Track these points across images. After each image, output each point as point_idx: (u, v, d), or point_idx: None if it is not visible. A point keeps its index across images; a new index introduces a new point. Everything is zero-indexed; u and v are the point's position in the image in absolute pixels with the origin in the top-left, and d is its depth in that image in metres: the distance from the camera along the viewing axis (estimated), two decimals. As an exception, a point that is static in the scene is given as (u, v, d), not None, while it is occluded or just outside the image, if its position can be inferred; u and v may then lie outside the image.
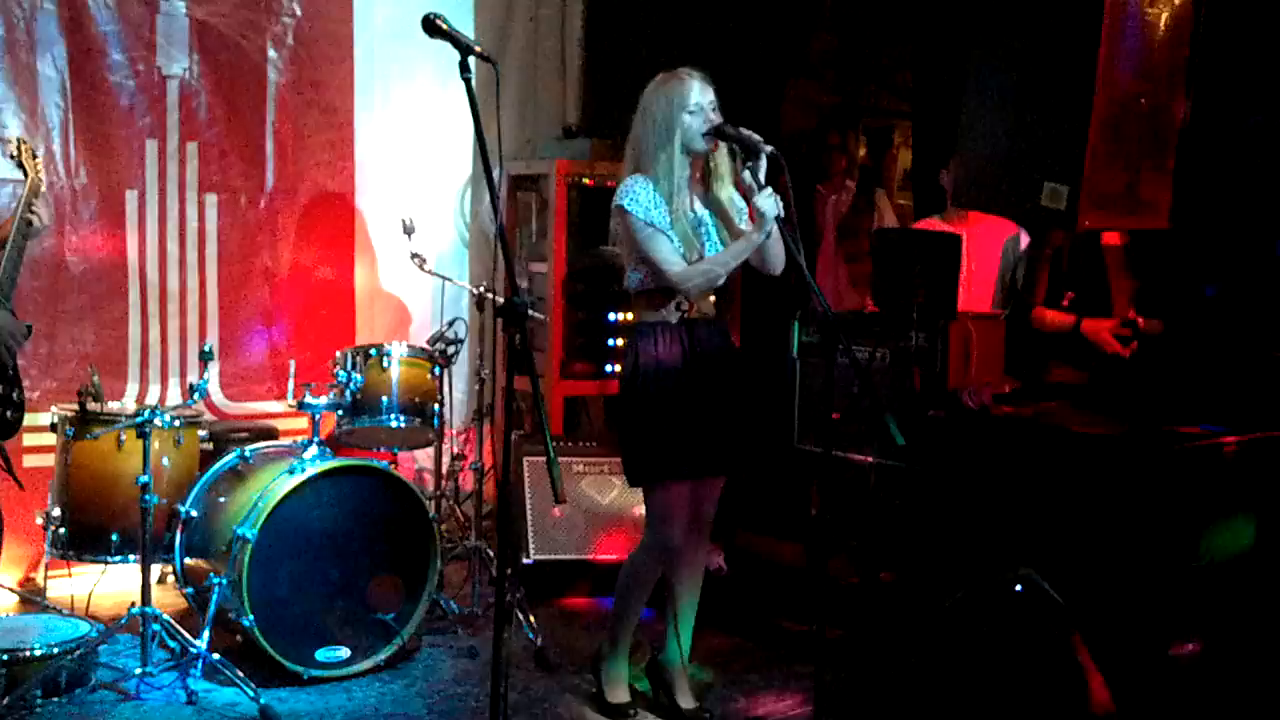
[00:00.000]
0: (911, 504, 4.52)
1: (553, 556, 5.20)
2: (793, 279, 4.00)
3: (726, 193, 3.92)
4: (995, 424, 4.34)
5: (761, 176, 3.73)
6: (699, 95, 3.77)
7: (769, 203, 3.71)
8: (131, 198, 5.48)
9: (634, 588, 4.04)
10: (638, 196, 3.78)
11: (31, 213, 3.89)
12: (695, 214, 3.87)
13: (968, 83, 4.47)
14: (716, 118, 3.78)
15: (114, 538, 4.45)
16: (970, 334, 4.57)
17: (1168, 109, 4.26)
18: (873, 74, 7.44)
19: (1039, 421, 4.31)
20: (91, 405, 4.44)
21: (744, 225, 3.90)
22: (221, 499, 4.44)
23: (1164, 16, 4.18)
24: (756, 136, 3.73)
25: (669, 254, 3.77)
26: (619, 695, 4.12)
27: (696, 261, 3.80)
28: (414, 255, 5.18)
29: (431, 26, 2.95)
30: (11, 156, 4.10)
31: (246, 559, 4.10)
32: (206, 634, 4.16)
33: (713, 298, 3.92)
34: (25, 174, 4.03)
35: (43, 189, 4.05)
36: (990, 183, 4.39)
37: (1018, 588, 4.03)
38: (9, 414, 3.63)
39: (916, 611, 4.41)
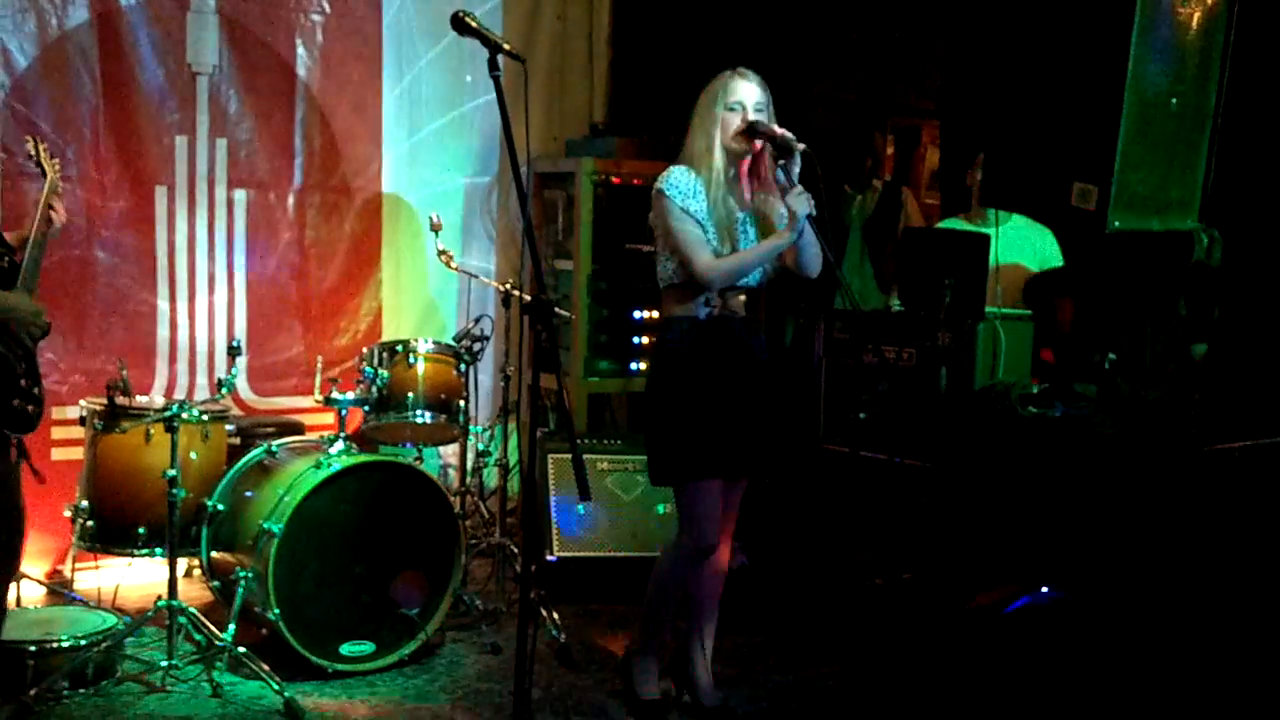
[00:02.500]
0: (937, 504, 4.51)
1: (576, 554, 5.21)
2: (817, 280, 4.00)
3: (771, 198, 3.90)
4: (1022, 424, 4.31)
5: (795, 175, 3.73)
6: (741, 93, 3.77)
7: (800, 202, 3.71)
8: (161, 193, 5.51)
9: (666, 589, 4.02)
10: (677, 182, 3.78)
11: (51, 210, 3.91)
12: (737, 213, 3.86)
13: (996, 82, 4.45)
14: (756, 116, 3.77)
15: (141, 531, 4.47)
16: (998, 334, 4.55)
17: (1198, 109, 4.23)
18: (900, 73, 7.42)
19: (1067, 423, 4.29)
20: (120, 399, 4.46)
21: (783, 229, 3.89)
22: (248, 493, 4.46)
23: (1196, 16, 4.14)
24: (790, 135, 3.73)
25: (698, 244, 3.76)
26: (650, 693, 4.11)
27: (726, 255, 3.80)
28: (441, 252, 5.20)
29: (461, 24, 2.96)
30: (30, 156, 4.11)
31: (272, 553, 4.12)
32: (232, 627, 4.18)
33: (743, 297, 3.90)
34: (44, 173, 4.05)
35: (60, 187, 4.06)
36: (1018, 183, 4.37)
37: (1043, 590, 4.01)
38: (30, 408, 3.64)
39: (939, 612, 4.40)
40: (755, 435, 3.91)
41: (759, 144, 3.81)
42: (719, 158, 3.80)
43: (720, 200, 3.79)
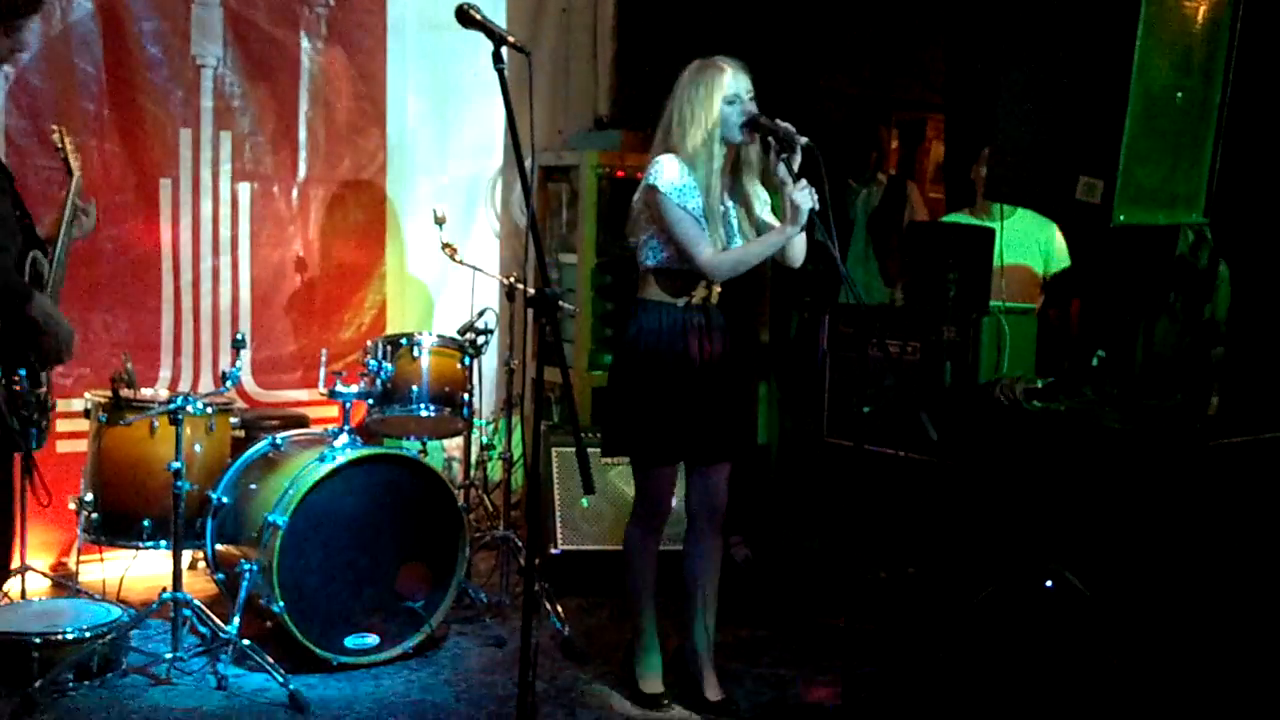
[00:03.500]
0: (941, 498, 4.51)
1: (580, 547, 5.21)
2: (817, 269, 4.01)
3: (753, 184, 3.92)
4: (1028, 419, 4.31)
5: (796, 168, 3.72)
6: (736, 85, 3.77)
7: (804, 196, 3.70)
8: (165, 186, 5.51)
9: (635, 562, 4.07)
10: (672, 179, 3.77)
11: (83, 214, 3.84)
12: (726, 203, 3.87)
13: (1001, 75, 4.44)
14: (753, 107, 3.78)
15: (146, 523, 4.48)
16: (1002, 328, 4.54)
17: (1204, 102, 4.22)
18: (905, 66, 7.40)
19: (1072, 417, 4.28)
20: (125, 391, 4.47)
21: (765, 216, 3.92)
22: (253, 486, 4.47)
23: (1201, 9, 4.13)
24: (792, 128, 3.72)
25: (699, 239, 3.76)
26: (652, 686, 4.12)
27: (724, 250, 3.81)
28: (445, 245, 5.20)
29: (465, 17, 2.95)
30: (57, 149, 4.03)
31: (277, 545, 4.12)
32: (237, 620, 4.18)
33: (719, 287, 3.92)
34: (70, 171, 3.98)
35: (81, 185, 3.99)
36: (1024, 176, 4.36)
37: (1048, 584, 4.01)
38: (44, 423, 3.59)
39: (944, 606, 4.40)
40: (723, 421, 3.94)
41: (755, 136, 3.81)
42: (718, 155, 3.80)
43: (717, 192, 3.80)
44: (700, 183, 3.78)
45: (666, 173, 3.78)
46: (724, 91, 3.77)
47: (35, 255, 3.54)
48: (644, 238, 3.89)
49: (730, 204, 3.90)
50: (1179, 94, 4.11)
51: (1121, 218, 3.99)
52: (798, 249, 3.90)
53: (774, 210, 3.95)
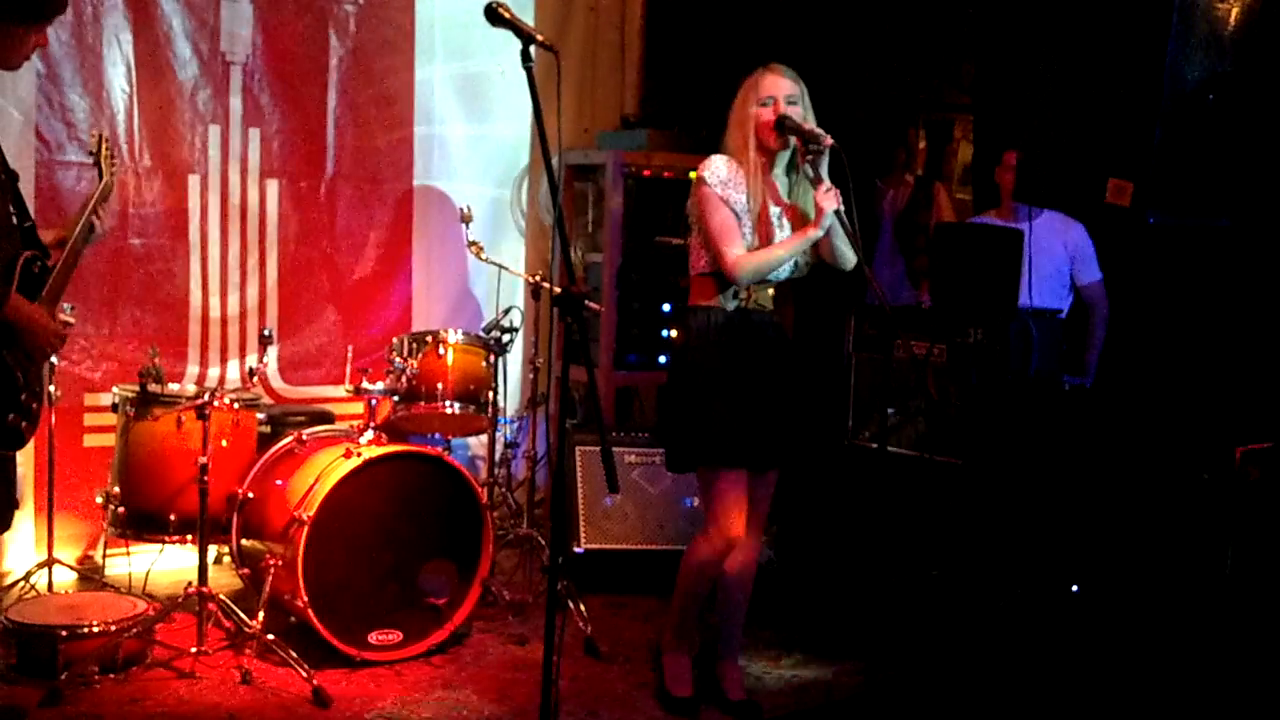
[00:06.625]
0: (963, 500, 4.49)
1: (603, 546, 5.21)
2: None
3: (807, 191, 3.89)
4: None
5: (824, 170, 3.73)
6: (771, 88, 3.78)
7: (829, 198, 3.71)
8: (194, 182, 5.53)
9: (694, 581, 4.02)
10: (718, 170, 3.80)
11: (96, 217, 3.84)
12: (772, 208, 3.86)
13: (1030, 76, 4.42)
14: (788, 109, 3.76)
15: (172, 518, 4.50)
16: (1030, 330, 4.52)
17: (1235, 104, 4.20)
18: (934, 66, 7.37)
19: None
20: (152, 386, 4.49)
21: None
22: (278, 481, 4.48)
23: (1234, 11, 4.11)
24: (819, 130, 3.72)
25: (732, 236, 3.76)
26: (682, 689, 4.10)
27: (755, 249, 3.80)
28: (471, 243, 5.21)
29: (494, 15, 2.96)
30: (91, 153, 4.04)
31: (302, 541, 4.14)
32: (261, 615, 4.20)
33: (771, 290, 3.91)
34: (101, 175, 3.98)
35: (112, 194, 3.98)
36: (1052, 178, 4.35)
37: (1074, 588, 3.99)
38: (24, 425, 3.53)
39: (967, 608, 4.38)
40: (779, 427, 3.90)
41: (792, 139, 3.80)
42: (753, 154, 3.81)
43: (758, 193, 3.79)
44: (745, 179, 3.79)
45: (713, 165, 3.82)
46: (758, 94, 3.78)
47: (29, 256, 3.52)
48: (693, 242, 3.90)
49: (779, 210, 3.88)
50: (1210, 95, 4.09)
51: (1152, 220, 3.97)
52: (846, 251, 3.88)
53: None
